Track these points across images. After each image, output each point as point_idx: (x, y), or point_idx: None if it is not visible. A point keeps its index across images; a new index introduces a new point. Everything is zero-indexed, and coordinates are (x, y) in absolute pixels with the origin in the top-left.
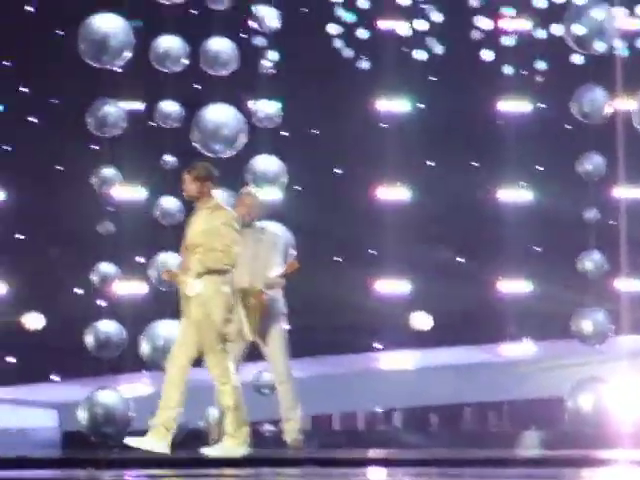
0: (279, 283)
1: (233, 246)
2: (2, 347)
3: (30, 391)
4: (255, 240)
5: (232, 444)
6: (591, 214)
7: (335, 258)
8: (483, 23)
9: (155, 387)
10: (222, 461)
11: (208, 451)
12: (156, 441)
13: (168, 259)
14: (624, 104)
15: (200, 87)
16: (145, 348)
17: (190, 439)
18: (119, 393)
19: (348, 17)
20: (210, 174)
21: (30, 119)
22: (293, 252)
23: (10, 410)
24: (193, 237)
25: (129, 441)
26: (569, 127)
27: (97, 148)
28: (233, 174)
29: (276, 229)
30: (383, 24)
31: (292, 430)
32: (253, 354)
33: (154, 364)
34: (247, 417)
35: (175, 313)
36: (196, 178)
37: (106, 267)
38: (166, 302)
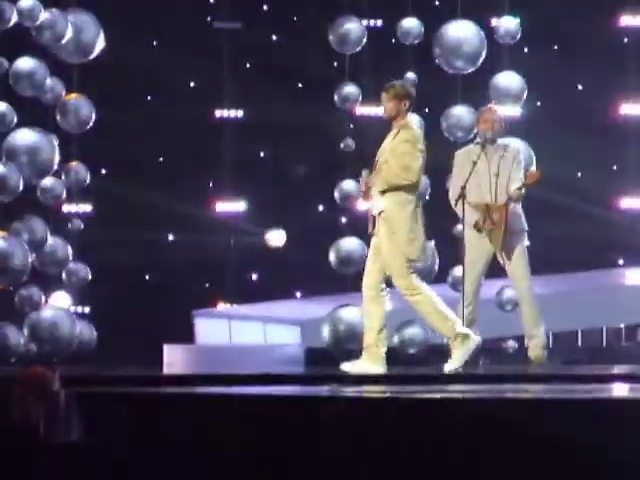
0: (520, 197)
1: (412, 162)
2: (246, 264)
3: (273, 308)
4: (498, 156)
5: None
6: None
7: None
8: None
9: (396, 303)
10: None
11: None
12: (369, 363)
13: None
14: None
15: (439, 3)
16: None
17: (432, 355)
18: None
19: None
20: (407, 93)
21: (272, 37)
22: (533, 170)
23: (254, 327)
24: (379, 155)
25: (344, 366)
26: None
27: (337, 65)
28: (474, 90)
29: (518, 145)
30: None
31: (536, 347)
32: (495, 270)
33: None
34: None
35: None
36: (394, 97)
37: (347, 184)
38: None
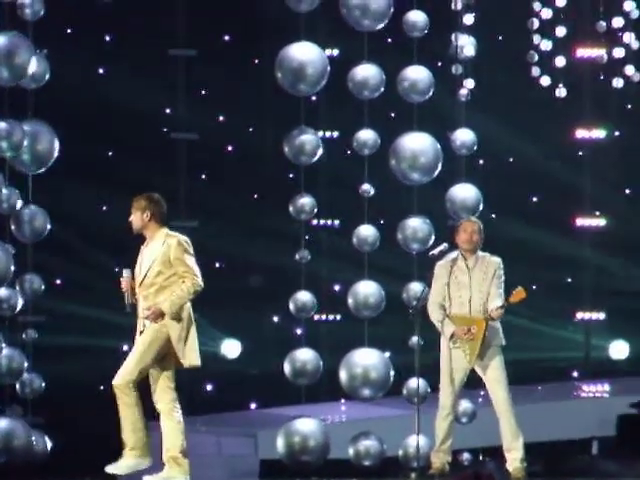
0: (501, 315)
1: None
2: (201, 375)
3: (228, 419)
4: (478, 268)
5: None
6: None
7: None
8: None
9: (352, 415)
10: None
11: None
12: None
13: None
14: None
15: (396, 115)
16: (343, 376)
17: (388, 467)
18: (317, 421)
19: (545, 44)
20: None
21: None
22: (519, 288)
23: (209, 439)
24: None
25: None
26: None
27: (292, 176)
28: (431, 201)
29: (499, 259)
30: (580, 52)
31: (514, 460)
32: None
33: (352, 392)
34: None
35: (369, 341)
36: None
37: (303, 295)
38: (360, 330)
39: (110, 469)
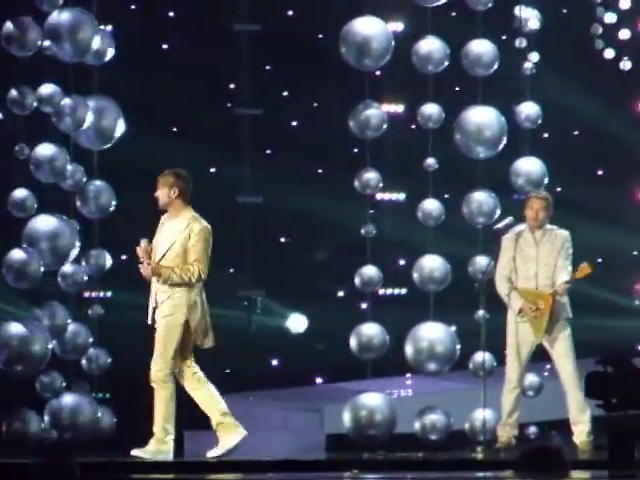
0: (567, 290)
1: None
2: (267, 350)
3: (294, 394)
4: (546, 242)
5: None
6: None
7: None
8: None
9: (418, 389)
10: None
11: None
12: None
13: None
14: None
15: (460, 89)
16: (409, 350)
17: (455, 441)
18: (383, 395)
19: (609, 17)
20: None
21: (291, 123)
22: (585, 264)
23: (275, 413)
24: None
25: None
26: None
27: (357, 151)
28: (495, 176)
29: (566, 233)
30: None
31: (581, 433)
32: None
33: (418, 366)
34: None
35: (434, 315)
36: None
37: (369, 269)
38: (426, 304)
39: (135, 452)
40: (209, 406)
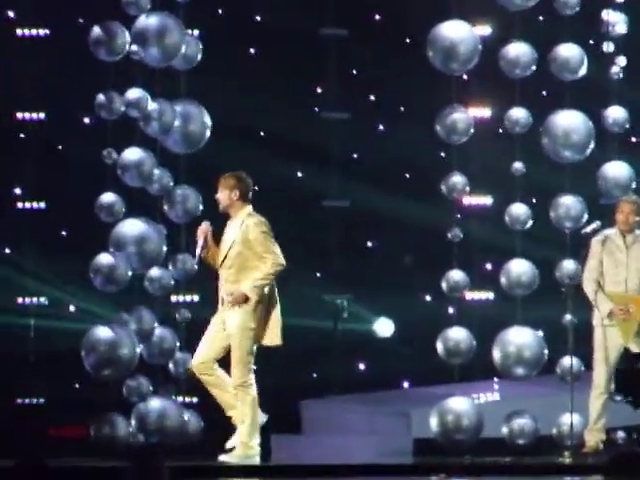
0: None
1: None
2: (353, 354)
3: (381, 398)
4: (636, 246)
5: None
6: None
7: None
8: None
9: (505, 394)
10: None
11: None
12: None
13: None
14: None
15: (547, 93)
16: (497, 355)
17: (542, 446)
18: (470, 400)
19: None
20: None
21: (378, 127)
22: None
23: (362, 417)
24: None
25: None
26: None
27: (444, 155)
28: (583, 180)
29: None
30: None
31: None
32: None
33: (505, 371)
34: None
35: (521, 320)
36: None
37: (456, 274)
38: (513, 309)
39: (223, 458)
40: (225, 389)
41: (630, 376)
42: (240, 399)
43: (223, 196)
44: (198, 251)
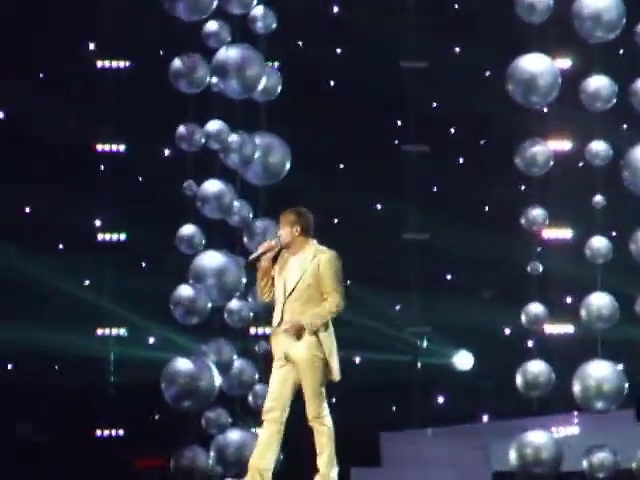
0: None
1: None
2: (432, 387)
3: (460, 431)
4: None
5: None
6: None
7: None
8: None
9: (584, 427)
10: None
11: None
12: None
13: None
14: None
15: (628, 126)
16: (577, 388)
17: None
18: (549, 433)
19: None
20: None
21: (457, 159)
22: None
23: (441, 450)
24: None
25: None
26: None
27: (524, 188)
28: None
29: None
30: None
31: None
32: None
33: (585, 404)
34: None
35: (602, 353)
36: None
37: (535, 307)
38: (593, 342)
39: None
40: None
41: None
42: (316, 431)
43: (285, 232)
44: (252, 256)
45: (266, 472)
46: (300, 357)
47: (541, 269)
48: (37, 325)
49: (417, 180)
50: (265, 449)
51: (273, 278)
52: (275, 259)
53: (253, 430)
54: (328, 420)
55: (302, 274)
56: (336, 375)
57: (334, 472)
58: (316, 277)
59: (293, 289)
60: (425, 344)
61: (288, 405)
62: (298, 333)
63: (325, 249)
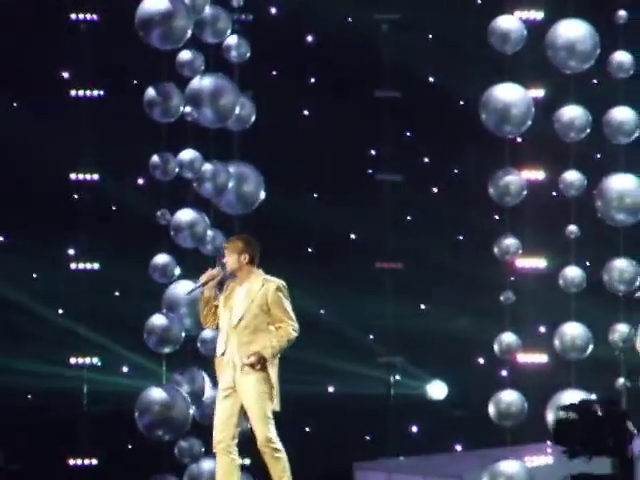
0: None
1: None
2: (406, 416)
3: (434, 461)
4: None
5: None
6: None
7: None
8: None
9: (556, 458)
10: None
11: None
12: None
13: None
14: None
15: (601, 156)
16: (550, 418)
17: None
18: (522, 463)
19: None
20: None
21: (431, 189)
22: None
23: (415, 479)
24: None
25: None
26: None
27: (497, 218)
28: (637, 245)
29: None
30: None
31: None
32: None
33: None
34: None
35: (576, 383)
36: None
37: (508, 336)
38: (566, 372)
39: None
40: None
41: (563, 426)
42: (269, 458)
43: (232, 259)
44: (195, 285)
45: None
46: (249, 392)
47: (514, 298)
48: (9, 353)
49: (391, 209)
50: (226, 478)
51: (216, 307)
52: (220, 287)
53: None
54: (280, 445)
55: (249, 304)
56: (276, 406)
57: None
58: (263, 307)
59: (240, 319)
60: (399, 373)
61: (237, 433)
62: (259, 365)
63: (273, 278)
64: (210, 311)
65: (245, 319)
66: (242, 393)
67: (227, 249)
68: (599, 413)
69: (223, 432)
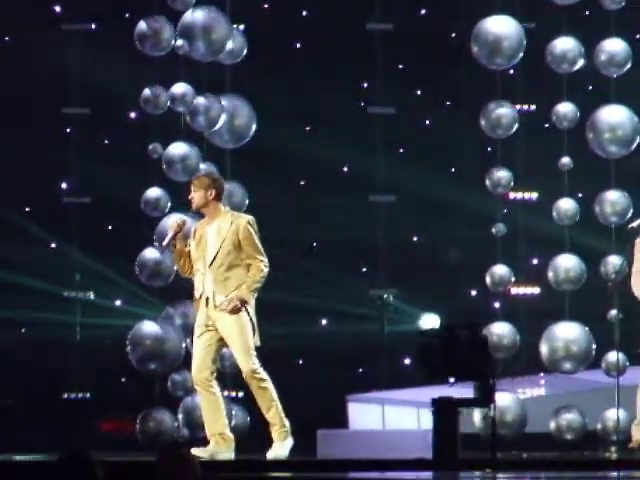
0: None
1: None
2: (399, 349)
3: (426, 393)
4: None
5: None
6: None
7: None
8: None
9: (552, 390)
10: None
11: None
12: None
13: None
14: None
15: (592, 88)
16: (544, 350)
17: (588, 441)
18: (514, 395)
19: None
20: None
21: (424, 121)
22: None
23: (407, 412)
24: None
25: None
26: None
27: (490, 149)
28: (629, 175)
29: None
30: None
31: None
32: None
33: (553, 366)
34: None
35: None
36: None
37: (500, 269)
38: (560, 303)
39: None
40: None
41: (424, 349)
42: (257, 389)
43: (198, 195)
44: (165, 242)
45: (226, 433)
46: (229, 327)
47: (505, 231)
48: (3, 288)
49: (383, 142)
50: (213, 415)
51: (189, 254)
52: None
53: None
54: (265, 375)
55: (222, 242)
56: (257, 341)
57: (287, 421)
58: (235, 243)
59: (214, 258)
60: (391, 306)
61: (215, 368)
62: (241, 307)
63: (242, 214)
64: (186, 261)
65: (219, 257)
66: (221, 328)
67: (193, 185)
68: (461, 338)
69: (201, 369)
